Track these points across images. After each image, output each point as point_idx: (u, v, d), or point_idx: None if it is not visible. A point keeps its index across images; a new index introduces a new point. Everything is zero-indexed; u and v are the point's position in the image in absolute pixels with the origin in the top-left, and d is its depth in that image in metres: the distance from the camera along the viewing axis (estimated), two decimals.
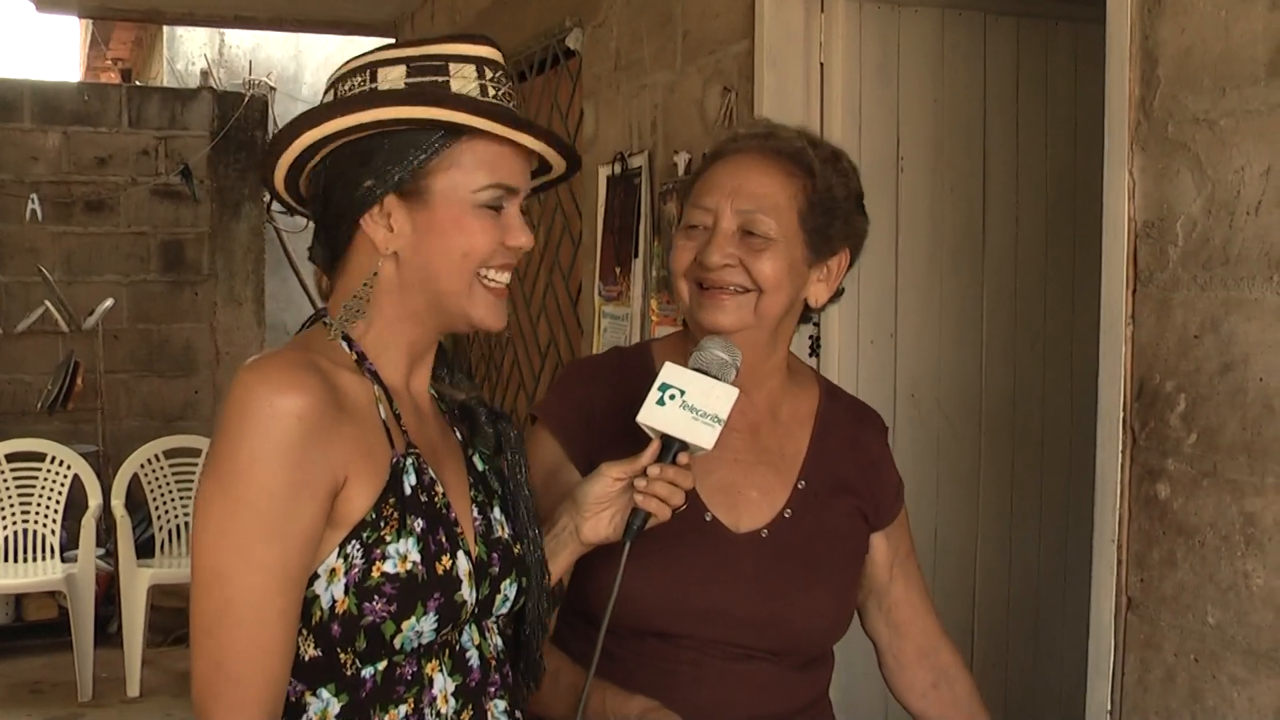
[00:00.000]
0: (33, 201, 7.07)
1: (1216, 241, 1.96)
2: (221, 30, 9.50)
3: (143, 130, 7.70)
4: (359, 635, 1.45)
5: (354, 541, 1.45)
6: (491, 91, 1.54)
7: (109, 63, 11.36)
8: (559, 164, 1.66)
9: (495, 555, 1.61)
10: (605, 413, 1.92)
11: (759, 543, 1.91)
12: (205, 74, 9.09)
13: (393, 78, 1.52)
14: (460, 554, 1.52)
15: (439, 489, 1.55)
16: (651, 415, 1.70)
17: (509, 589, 1.63)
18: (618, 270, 4.04)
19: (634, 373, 1.93)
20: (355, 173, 1.52)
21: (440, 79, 1.52)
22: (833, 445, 2.01)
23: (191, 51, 9.80)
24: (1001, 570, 3.42)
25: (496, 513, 1.66)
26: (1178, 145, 2.02)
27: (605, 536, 1.77)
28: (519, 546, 1.67)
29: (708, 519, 1.90)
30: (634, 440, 1.76)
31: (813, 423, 2.02)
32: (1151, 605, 2.06)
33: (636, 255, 3.89)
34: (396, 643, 1.46)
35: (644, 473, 1.72)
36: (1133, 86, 2.08)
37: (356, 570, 1.44)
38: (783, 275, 1.85)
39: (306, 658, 1.46)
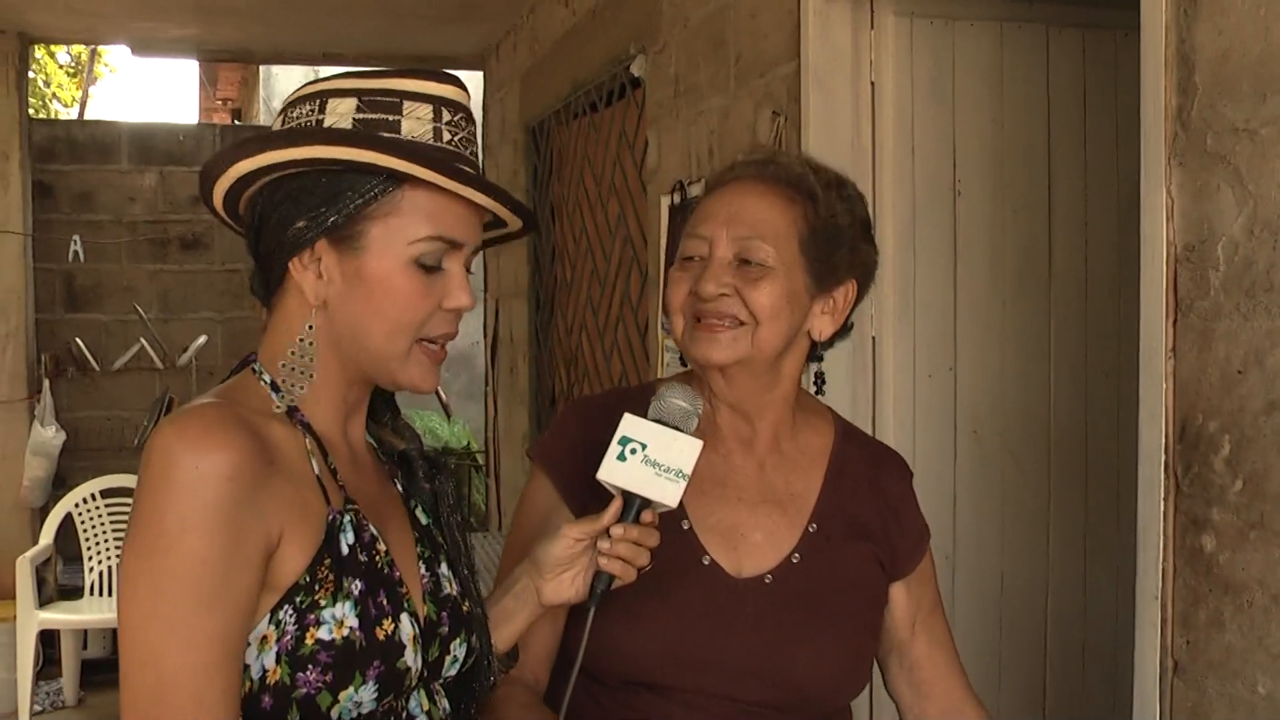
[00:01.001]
0: (75, 244, 7.14)
1: (1260, 265, 1.76)
2: (316, 67, 9.61)
3: None
4: (292, 708, 1.34)
5: (286, 606, 1.34)
6: (446, 136, 1.45)
7: (219, 103, 11.58)
8: (514, 221, 1.56)
9: (445, 614, 1.52)
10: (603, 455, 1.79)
11: (762, 589, 1.79)
12: None
13: (342, 111, 1.42)
14: (404, 616, 1.42)
15: (380, 546, 1.44)
16: (612, 472, 1.61)
17: (458, 649, 1.53)
18: None
19: (638, 397, 1.79)
20: (288, 210, 1.42)
21: (391, 117, 1.42)
22: (848, 487, 1.89)
23: (287, 89, 9.92)
24: (1075, 617, 3.19)
25: (444, 568, 1.56)
26: (1217, 158, 1.82)
27: (567, 599, 1.68)
28: (467, 603, 1.57)
29: (705, 562, 1.79)
30: None
31: (826, 462, 1.90)
32: (1198, 670, 1.86)
33: None
34: (334, 714, 1.35)
35: (607, 533, 1.63)
36: (1169, 95, 1.89)
37: (289, 638, 1.33)
38: (780, 305, 1.74)
39: None
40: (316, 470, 1.42)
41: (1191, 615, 1.86)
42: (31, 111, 11.28)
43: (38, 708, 6.32)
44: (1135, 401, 3.16)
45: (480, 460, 8.62)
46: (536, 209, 6.10)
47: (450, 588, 1.55)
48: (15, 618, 6.14)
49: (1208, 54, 1.84)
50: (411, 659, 1.41)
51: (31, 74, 12.55)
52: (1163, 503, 1.91)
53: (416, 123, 1.42)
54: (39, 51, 12.81)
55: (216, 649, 1.27)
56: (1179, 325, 1.89)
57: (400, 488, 1.59)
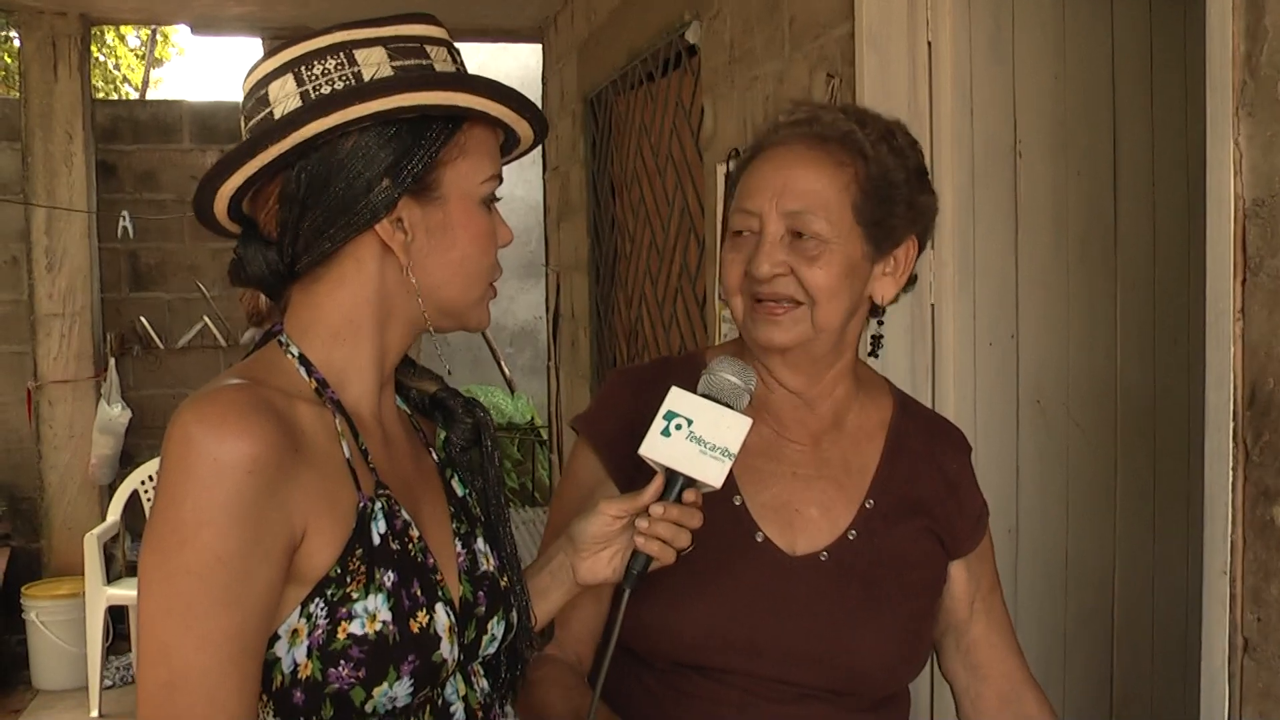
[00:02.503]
0: (124, 219, 7.17)
1: None
2: None
3: None
4: (325, 703, 1.29)
5: (317, 599, 1.29)
6: (462, 70, 1.42)
7: None
8: (528, 137, 1.50)
9: (481, 593, 1.46)
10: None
11: (817, 567, 1.72)
12: None
13: (375, 60, 1.34)
14: (439, 606, 1.36)
15: (414, 532, 1.38)
16: (655, 448, 1.52)
17: (496, 627, 1.48)
18: None
19: (682, 379, 1.71)
20: (359, 171, 1.34)
21: (424, 61, 1.37)
22: (906, 462, 1.81)
23: None
24: (1144, 594, 3.08)
25: (480, 543, 1.51)
26: None
27: (604, 579, 1.61)
28: (505, 578, 1.51)
29: (759, 539, 1.72)
30: None
31: (884, 436, 1.82)
32: (1270, 649, 1.76)
33: None
34: (368, 708, 1.30)
35: (646, 511, 1.55)
36: (1236, 41, 1.79)
37: (320, 632, 1.28)
38: (838, 281, 1.66)
39: None
40: (347, 453, 1.35)
41: (1263, 591, 1.77)
42: (100, 94, 11.40)
43: (107, 682, 6.39)
44: (1204, 367, 3.06)
45: (544, 435, 8.59)
46: (595, 181, 6.04)
47: (488, 563, 1.50)
48: (85, 593, 6.21)
49: None
50: (448, 651, 1.36)
51: (101, 57, 12.67)
52: (1231, 473, 1.81)
53: (445, 64, 1.39)
54: (109, 35, 12.89)
55: (232, 646, 1.22)
56: (1247, 285, 1.79)
57: (435, 458, 1.54)
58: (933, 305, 2.92)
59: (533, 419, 9.99)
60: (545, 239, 7.31)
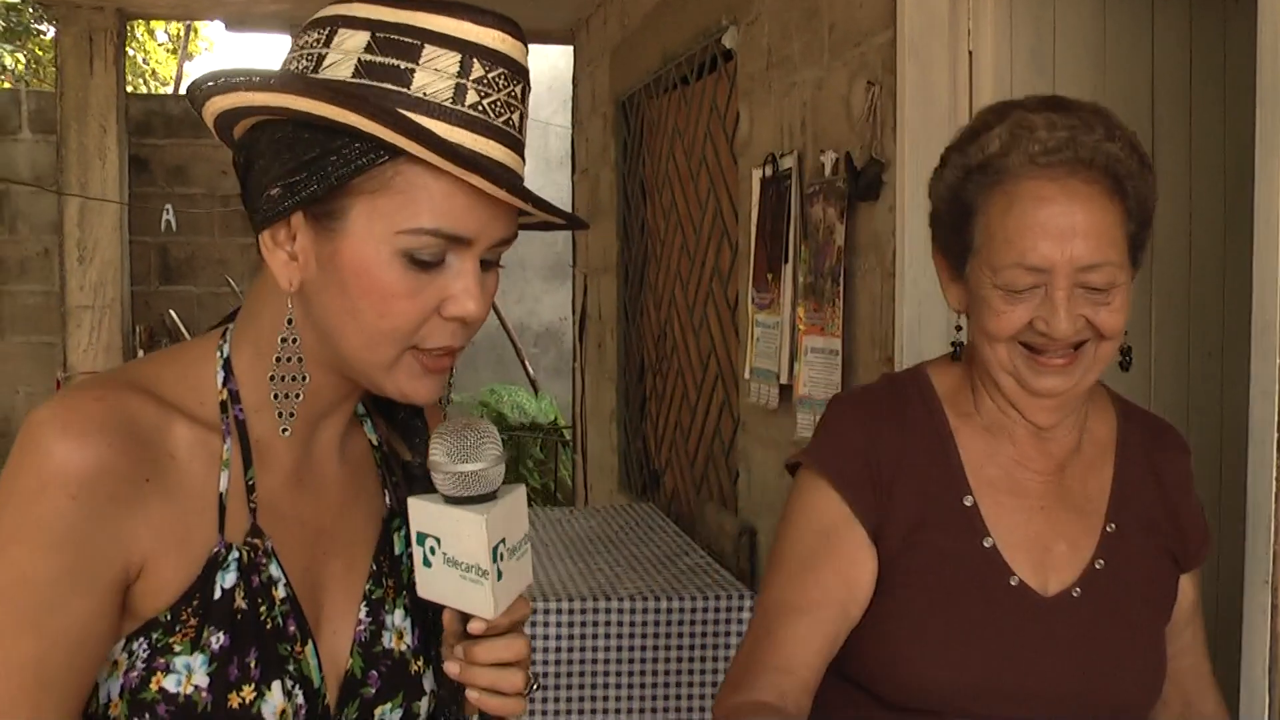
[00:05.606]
0: (167, 213, 7.24)
1: None
2: None
3: None
4: None
5: (141, 639, 1.16)
6: (472, 96, 1.12)
7: None
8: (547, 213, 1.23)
9: (375, 673, 1.28)
10: (893, 460, 1.64)
11: (1070, 605, 1.63)
12: None
13: (349, 48, 1.13)
14: (278, 684, 1.18)
15: (279, 593, 1.21)
16: (426, 585, 1.21)
17: (390, 714, 1.28)
18: (769, 277, 3.85)
19: (915, 406, 1.68)
20: (266, 167, 1.17)
21: (404, 65, 1.12)
22: (1136, 476, 1.72)
23: None
24: None
25: (398, 617, 1.31)
26: None
27: None
28: (419, 663, 1.31)
29: (1014, 584, 1.62)
30: (929, 494, 1.57)
31: (1114, 451, 1.72)
32: None
33: (786, 260, 3.69)
34: None
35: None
36: None
37: (136, 675, 1.15)
38: (1125, 317, 1.57)
39: None
40: (224, 486, 1.19)
41: None
42: (130, 88, 11.47)
43: None
44: (1239, 381, 3.07)
45: (567, 436, 8.63)
46: (625, 184, 6.07)
47: (398, 641, 1.30)
48: None
49: None
50: None
51: (131, 52, 12.76)
52: (1275, 483, 1.84)
53: (434, 76, 1.12)
54: (139, 29, 12.98)
55: (25, 676, 1.09)
56: None
57: (388, 502, 1.35)
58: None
59: (556, 419, 10.03)
60: (573, 241, 7.34)
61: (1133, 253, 1.58)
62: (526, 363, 10.05)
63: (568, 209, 7.61)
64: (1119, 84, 3.01)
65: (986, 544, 1.63)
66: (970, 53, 2.95)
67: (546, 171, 9.44)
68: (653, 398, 5.83)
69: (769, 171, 3.86)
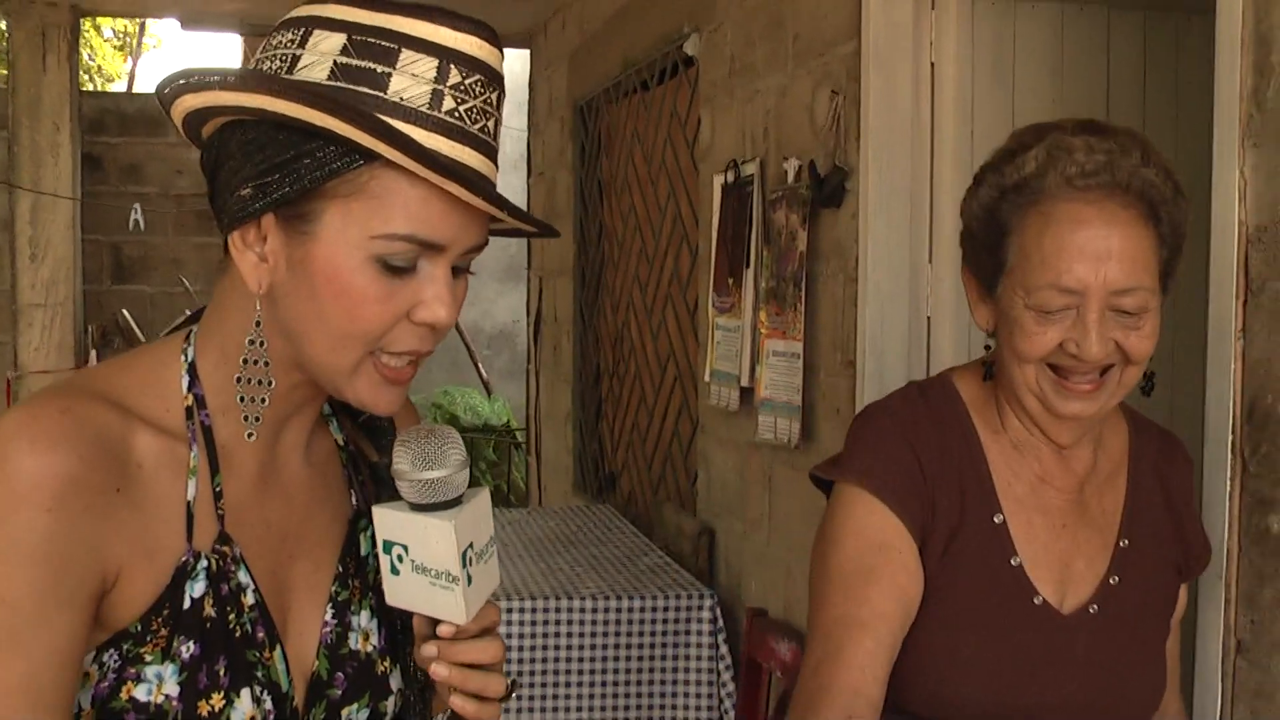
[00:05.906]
0: (135, 212, 7.22)
1: None
2: None
3: None
4: None
5: (111, 650, 1.15)
6: (449, 102, 1.13)
7: None
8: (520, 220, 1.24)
9: (341, 674, 1.28)
10: (935, 472, 1.66)
11: (1088, 621, 1.67)
12: None
13: (324, 49, 1.12)
14: (246, 691, 1.19)
15: (247, 600, 1.21)
16: (395, 593, 1.21)
17: (357, 715, 1.29)
18: (730, 281, 3.91)
19: (948, 418, 1.70)
20: (236, 167, 1.15)
21: (380, 68, 1.11)
22: (1146, 490, 1.76)
23: None
24: None
25: (364, 618, 1.31)
26: None
27: None
28: (385, 663, 1.31)
29: (1037, 602, 1.66)
30: (964, 508, 1.59)
31: (1126, 465, 1.76)
32: (1263, 651, 1.86)
33: (748, 265, 3.76)
34: None
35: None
36: (1244, 76, 1.89)
37: (106, 685, 1.14)
38: (1154, 343, 1.60)
39: None
40: (191, 494, 1.18)
41: (1256, 595, 1.87)
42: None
43: None
44: (1190, 384, 3.15)
45: (520, 438, 8.65)
46: (583, 187, 6.11)
47: (364, 643, 1.30)
48: None
49: None
50: None
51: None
52: (1229, 483, 1.91)
53: (411, 81, 1.11)
54: (85, 25, 12.88)
55: (16, 698, 1.07)
56: (1249, 306, 1.89)
57: (355, 502, 1.35)
58: (929, 318, 3.02)
59: (509, 421, 10.05)
60: (528, 244, 7.37)
61: (1163, 279, 1.60)
62: (480, 365, 10.07)
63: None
64: (1076, 95, 3.10)
65: (1014, 562, 1.66)
66: (933, 64, 3.03)
67: (502, 174, 9.41)
68: (609, 399, 5.87)
69: (731, 177, 3.92)
